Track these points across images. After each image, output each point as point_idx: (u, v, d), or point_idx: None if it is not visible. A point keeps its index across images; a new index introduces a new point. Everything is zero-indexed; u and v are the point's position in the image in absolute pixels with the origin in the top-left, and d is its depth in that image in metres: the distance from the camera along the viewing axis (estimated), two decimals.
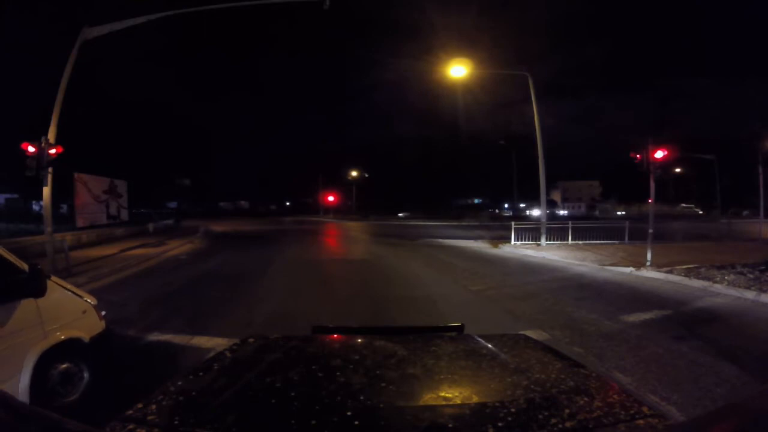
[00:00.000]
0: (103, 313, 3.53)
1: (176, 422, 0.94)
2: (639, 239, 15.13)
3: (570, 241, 15.32)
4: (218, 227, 29.65)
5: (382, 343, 1.48)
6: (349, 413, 0.96)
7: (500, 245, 15.46)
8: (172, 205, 76.84)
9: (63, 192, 20.93)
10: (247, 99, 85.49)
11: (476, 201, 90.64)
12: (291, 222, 39.37)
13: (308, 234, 23.89)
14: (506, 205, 75.72)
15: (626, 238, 16.18)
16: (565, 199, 74.24)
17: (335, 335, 1.79)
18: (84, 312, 3.31)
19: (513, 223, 15.81)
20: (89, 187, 19.68)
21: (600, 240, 15.48)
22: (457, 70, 15.46)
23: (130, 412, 0.98)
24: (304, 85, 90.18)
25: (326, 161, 59.46)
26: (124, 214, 23.21)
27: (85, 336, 3.22)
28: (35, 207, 39.07)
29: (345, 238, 21.46)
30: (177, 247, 15.46)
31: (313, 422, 0.92)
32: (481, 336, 1.63)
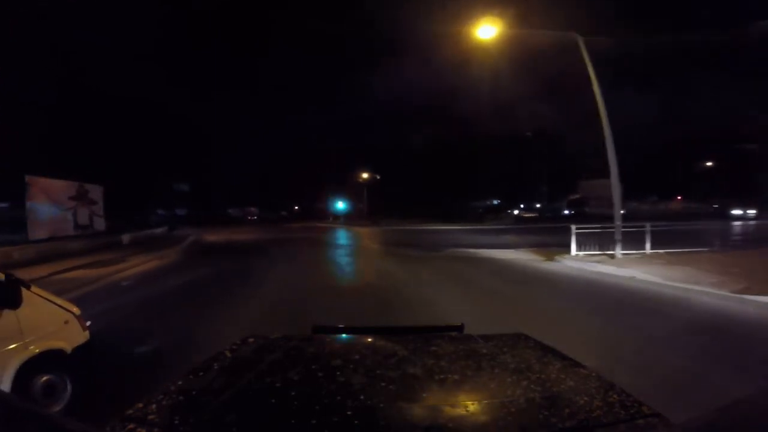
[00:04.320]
0: (89, 323, 3.43)
1: (176, 422, 0.93)
2: (700, 244, 11.38)
3: (648, 250, 11.49)
4: (213, 236, 26.53)
5: (382, 343, 1.50)
6: (349, 413, 0.95)
7: (557, 257, 11.73)
8: (180, 212, 75.36)
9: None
10: (249, 100, 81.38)
11: (494, 202, 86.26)
12: (297, 229, 36.05)
13: (311, 244, 20.49)
14: (522, 206, 71.05)
15: (716, 243, 12.37)
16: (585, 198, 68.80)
17: (335, 335, 1.77)
18: (66, 322, 3.23)
19: (573, 226, 11.87)
20: (49, 193, 16.66)
21: (679, 247, 11.41)
22: (487, 30, 11.91)
23: (130, 411, 0.97)
24: (308, 83, 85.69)
25: (335, 163, 56.12)
26: (99, 224, 20.19)
27: (67, 347, 3.15)
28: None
29: (353, 250, 17.96)
30: (137, 265, 12.20)
31: (313, 422, 0.91)
32: (481, 336, 1.59)
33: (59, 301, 3.31)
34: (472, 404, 1.01)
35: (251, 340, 1.58)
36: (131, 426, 0.89)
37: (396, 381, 1.13)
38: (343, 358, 1.33)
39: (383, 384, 1.11)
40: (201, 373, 1.22)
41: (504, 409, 0.96)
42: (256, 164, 70.00)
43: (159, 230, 25.68)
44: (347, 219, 47.89)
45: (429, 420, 0.91)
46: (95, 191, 19.81)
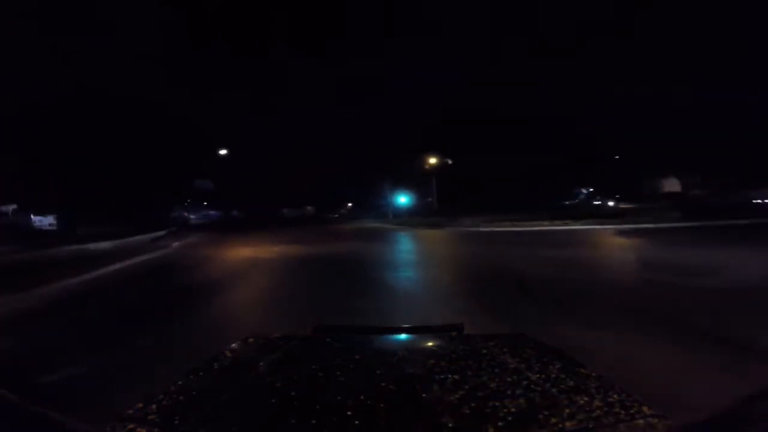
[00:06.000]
0: None
1: (176, 422, 0.92)
2: None
3: None
4: (210, 249, 17.98)
5: (382, 343, 1.53)
6: (349, 413, 0.93)
7: None
8: (236, 213, 71.62)
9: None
10: (266, 98, 72.56)
11: (588, 190, 70.07)
12: (343, 234, 26.68)
13: (343, 273, 10.73)
14: (618, 195, 54.32)
15: None
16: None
17: (335, 335, 1.75)
18: None
19: None
20: None
21: None
22: None
23: (130, 411, 0.96)
24: (355, 64, 71.82)
25: (394, 153, 46.24)
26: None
27: None
28: (35, 220, 31.94)
29: (423, 295, 7.74)
30: None
31: (313, 422, 0.90)
32: (481, 336, 1.57)
33: None
34: (472, 404, 0.99)
35: (251, 340, 1.57)
36: (131, 426, 0.88)
37: (396, 381, 1.11)
38: (343, 358, 1.32)
39: (383, 384, 1.10)
40: (201, 373, 1.21)
41: (504, 409, 0.94)
42: (315, 164, 62.40)
43: (132, 240, 17.54)
44: (411, 215, 37.73)
45: (429, 420, 0.91)
46: None
